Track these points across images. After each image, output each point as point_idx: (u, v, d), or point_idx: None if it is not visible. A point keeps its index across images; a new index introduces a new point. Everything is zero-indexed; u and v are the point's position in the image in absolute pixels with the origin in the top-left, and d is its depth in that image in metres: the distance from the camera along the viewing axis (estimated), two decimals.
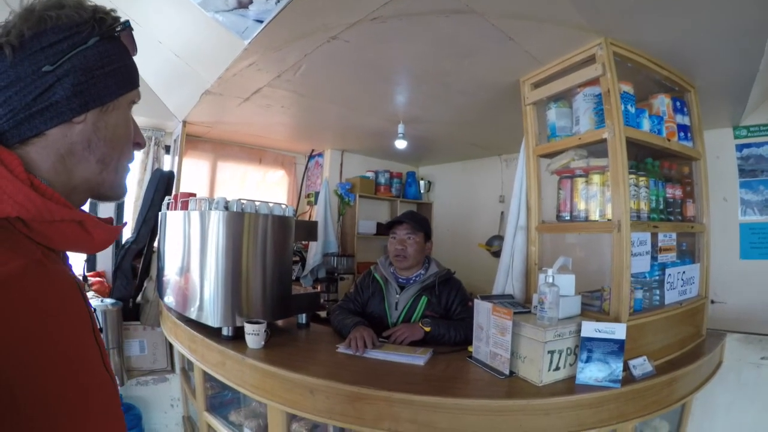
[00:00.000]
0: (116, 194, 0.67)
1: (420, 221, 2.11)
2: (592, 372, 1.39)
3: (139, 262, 2.87)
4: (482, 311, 1.62)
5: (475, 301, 1.68)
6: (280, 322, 2.20)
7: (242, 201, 1.91)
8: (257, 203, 1.94)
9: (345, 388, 1.39)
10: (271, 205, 1.99)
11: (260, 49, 1.79)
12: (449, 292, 2.01)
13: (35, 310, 0.48)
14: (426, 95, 2.48)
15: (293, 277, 3.64)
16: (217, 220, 1.82)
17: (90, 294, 2.75)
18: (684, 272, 1.90)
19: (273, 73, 2.11)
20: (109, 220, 0.64)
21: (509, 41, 1.72)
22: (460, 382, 1.47)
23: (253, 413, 2.01)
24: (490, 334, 1.55)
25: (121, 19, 0.64)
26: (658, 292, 1.80)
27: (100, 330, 0.62)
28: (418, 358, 1.63)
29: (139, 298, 2.82)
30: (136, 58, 0.69)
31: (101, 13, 0.61)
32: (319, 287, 3.59)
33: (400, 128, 2.95)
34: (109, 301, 2.66)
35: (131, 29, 0.66)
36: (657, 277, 1.80)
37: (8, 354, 0.44)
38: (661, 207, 1.86)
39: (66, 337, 0.51)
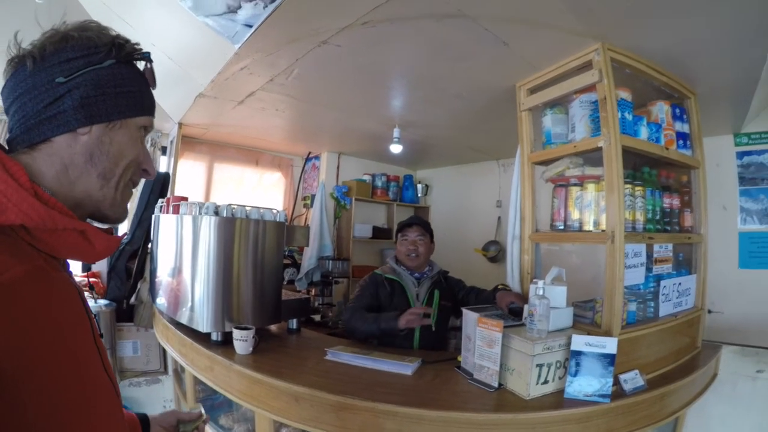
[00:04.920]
0: (116, 214, 0.69)
1: (427, 225, 2.36)
2: (581, 386, 1.37)
3: (133, 264, 2.86)
4: (469, 322, 1.59)
5: (463, 310, 1.66)
6: (271, 327, 2.18)
7: (233, 206, 1.89)
8: (248, 208, 1.92)
9: (330, 397, 1.37)
10: (262, 210, 1.97)
11: (251, 53, 1.77)
12: (454, 285, 2.32)
13: (37, 314, 0.50)
14: (421, 99, 2.45)
15: (287, 280, 3.64)
16: (207, 225, 1.81)
17: (86, 295, 2.74)
18: (680, 283, 1.87)
19: (265, 77, 2.09)
20: (108, 230, 0.66)
21: (504, 46, 1.69)
22: (447, 393, 1.44)
23: (243, 417, 1.99)
24: (476, 346, 1.52)
25: (143, 51, 0.69)
26: (652, 303, 1.77)
27: (100, 335, 0.66)
28: (406, 367, 1.61)
29: (132, 300, 2.82)
30: None
31: (121, 40, 0.66)
32: (313, 290, 3.56)
33: (396, 132, 2.92)
34: (102, 302, 2.66)
35: (151, 61, 0.70)
36: (652, 289, 1.77)
37: (11, 356, 0.46)
38: (658, 217, 1.82)
39: (67, 340, 0.53)
